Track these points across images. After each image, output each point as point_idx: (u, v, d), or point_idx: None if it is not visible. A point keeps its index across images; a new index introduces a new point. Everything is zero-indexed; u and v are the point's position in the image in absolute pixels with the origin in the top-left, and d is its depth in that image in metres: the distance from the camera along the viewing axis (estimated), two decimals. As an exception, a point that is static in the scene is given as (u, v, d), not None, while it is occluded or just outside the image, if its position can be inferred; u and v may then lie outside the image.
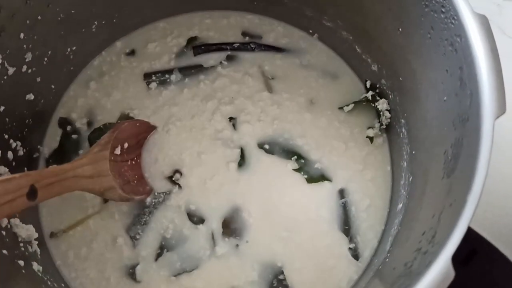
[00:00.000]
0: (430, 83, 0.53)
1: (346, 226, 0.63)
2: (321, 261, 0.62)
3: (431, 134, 0.53)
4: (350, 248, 0.62)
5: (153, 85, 0.68)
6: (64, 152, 0.65)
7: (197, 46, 0.70)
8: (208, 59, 0.70)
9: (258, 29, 0.71)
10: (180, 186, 0.63)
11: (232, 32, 0.71)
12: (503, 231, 0.43)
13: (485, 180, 0.39)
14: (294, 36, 0.71)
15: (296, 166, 0.64)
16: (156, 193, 0.63)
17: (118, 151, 0.59)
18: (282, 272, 0.61)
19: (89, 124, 0.67)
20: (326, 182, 0.65)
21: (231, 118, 0.66)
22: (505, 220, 0.48)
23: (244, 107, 0.67)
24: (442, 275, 0.37)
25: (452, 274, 0.36)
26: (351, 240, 0.62)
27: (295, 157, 0.65)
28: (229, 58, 0.70)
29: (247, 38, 0.71)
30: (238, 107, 0.67)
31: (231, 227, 0.62)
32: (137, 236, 0.62)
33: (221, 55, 0.70)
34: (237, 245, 0.61)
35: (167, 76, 0.68)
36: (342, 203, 0.64)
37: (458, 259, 0.38)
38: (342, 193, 0.64)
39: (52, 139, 0.66)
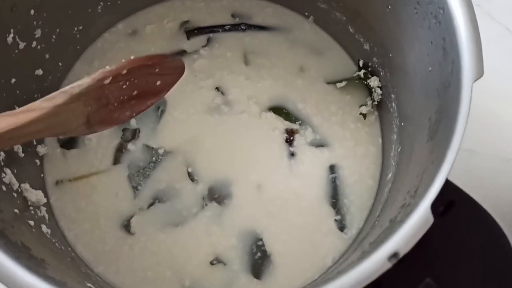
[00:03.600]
0: (417, 56, 0.56)
1: (334, 200, 0.66)
2: (307, 235, 0.65)
3: (418, 104, 0.56)
4: (336, 220, 0.65)
5: None
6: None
7: (190, 30, 0.73)
8: (192, 43, 0.73)
9: (248, 10, 0.74)
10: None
11: (222, 15, 0.74)
12: (480, 184, 0.46)
13: (463, 135, 0.42)
14: (287, 17, 0.74)
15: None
16: (163, 150, 0.67)
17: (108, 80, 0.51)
18: (261, 239, 0.64)
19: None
20: (319, 156, 0.68)
21: (217, 88, 0.70)
22: (482, 174, 0.51)
23: (227, 80, 0.71)
24: (422, 221, 0.40)
25: (431, 219, 0.39)
26: (337, 212, 0.66)
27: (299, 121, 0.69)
28: (214, 40, 0.73)
29: (237, 20, 0.74)
30: (220, 81, 0.71)
31: (216, 193, 0.66)
32: (139, 187, 0.66)
33: (204, 38, 0.73)
34: (219, 214, 0.65)
35: None
36: (332, 178, 0.67)
37: (438, 210, 0.42)
38: (332, 168, 0.67)
39: (59, 115, 0.69)
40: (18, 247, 0.43)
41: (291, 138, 0.69)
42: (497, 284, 0.41)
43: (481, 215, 0.42)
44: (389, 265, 0.39)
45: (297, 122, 0.69)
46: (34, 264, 0.42)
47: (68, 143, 0.68)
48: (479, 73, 0.44)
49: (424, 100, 0.54)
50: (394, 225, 0.43)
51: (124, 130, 0.68)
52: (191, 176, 0.66)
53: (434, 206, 0.41)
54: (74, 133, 0.52)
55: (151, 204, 0.65)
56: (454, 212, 0.41)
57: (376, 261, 0.39)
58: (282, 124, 0.69)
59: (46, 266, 0.45)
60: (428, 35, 0.52)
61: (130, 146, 0.68)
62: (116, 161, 0.67)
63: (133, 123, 0.69)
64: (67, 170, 0.67)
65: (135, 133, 0.68)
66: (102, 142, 0.68)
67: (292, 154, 0.68)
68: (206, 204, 0.65)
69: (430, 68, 0.52)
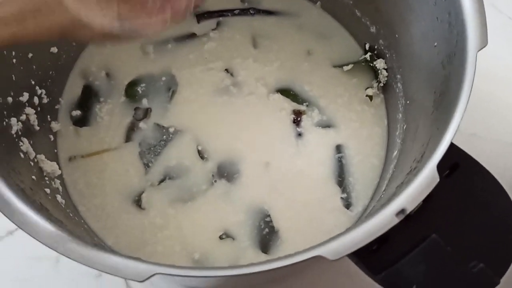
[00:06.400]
0: (422, 33, 0.58)
1: (340, 178, 0.68)
2: (314, 212, 0.66)
3: (424, 80, 0.58)
4: (342, 198, 0.67)
5: (151, 54, 0.73)
6: (87, 100, 0.71)
7: (200, 13, 0.75)
8: (202, 26, 0.75)
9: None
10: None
11: (231, -1, 0.76)
12: (483, 149, 0.48)
13: (468, 98, 0.44)
14: (295, 2, 0.76)
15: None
16: (174, 129, 0.69)
17: None
18: (268, 215, 0.65)
19: (108, 75, 0.72)
20: (325, 136, 0.70)
21: (226, 70, 0.72)
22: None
23: (236, 62, 0.73)
24: (428, 180, 0.41)
25: (437, 178, 0.41)
26: (343, 190, 0.67)
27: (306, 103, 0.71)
28: (223, 24, 0.75)
29: (246, 4, 0.76)
30: (229, 63, 0.73)
31: (225, 171, 0.67)
32: (150, 164, 0.67)
33: (214, 22, 0.75)
34: (228, 190, 0.66)
35: (163, 46, 0.74)
36: (338, 157, 0.68)
37: (443, 172, 0.43)
38: (339, 148, 0.69)
39: (71, 94, 0.71)
40: (38, 205, 0.45)
41: (298, 119, 0.70)
42: (498, 239, 0.43)
43: (484, 175, 0.43)
44: (396, 221, 0.40)
45: (304, 104, 0.71)
46: (53, 220, 0.43)
47: (81, 121, 0.70)
48: (483, 42, 0.46)
49: (430, 74, 0.55)
50: (401, 187, 0.45)
51: (136, 109, 0.70)
52: (200, 154, 0.68)
53: (440, 168, 0.42)
54: (99, 20, 0.40)
55: (162, 181, 0.67)
56: (458, 174, 0.43)
57: (385, 217, 0.41)
58: (289, 105, 0.71)
59: (63, 226, 0.46)
60: (433, 11, 0.54)
61: (141, 124, 0.69)
62: (128, 139, 0.69)
63: (145, 102, 0.70)
64: (79, 146, 0.69)
65: (146, 112, 0.70)
66: (114, 120, 0.70)
67: (299, 134, 0.69)
68: (215, 181, 0.67)
69: (435, 44, 0.54)
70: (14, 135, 0.56)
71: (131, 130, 0.69)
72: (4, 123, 0.54)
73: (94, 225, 0.65)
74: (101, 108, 0.70)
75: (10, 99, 0.56)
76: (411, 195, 0.41)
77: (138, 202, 0.66)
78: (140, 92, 0.71)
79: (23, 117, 0.59)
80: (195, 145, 0.68)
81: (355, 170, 0.68)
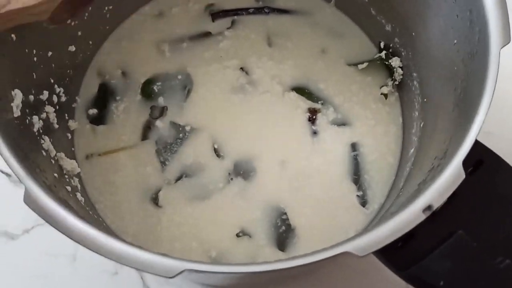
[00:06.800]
0: (441, 31, 0.58)
1: (356, 176, 0.68)
2: (330, 210, 0.66)
3: (443, 78, 0.58)
4: (358, 196, 0.67)
5: (166, 53, 0.73)
6: (103, 98, 0.71)
7: (215, 12, 0.76)
8: (217, 24, 0.75)
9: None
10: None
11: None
12: (499, 147, 0.48)
13: (493, 94, 0.44)
14: (309, 1, 0.76)
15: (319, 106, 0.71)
16: (190, 127, 0.69)
17: None
18: (285, 213, 0.65)
19: (124, 74, 0.72)
20: (341, 134, 0.70)
21: (242, 69, 0.72)
22: (503, 137, 0.52)
23: (251, 61, 0.73)
24: (454, 176, 0.42)
25: (462, 175, 0.41)
26: (359, 188, 0.67)
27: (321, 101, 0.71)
28: (238, 22, 0.75)
29: (260, 3, 0.76)
30: (244, 62, 0.73)
31: (242, 169, 0.68)
32: (166, 162, 0.68)
33: (228, 20, 0.76)
34: (244, 188, 0.67)
35: (178, 44, 0.74)
36: (354, 155, 0.69)
37: (467, 169, 0.43)
38: (354, 146, 0.69)
39: (87, 92, 0.71)
40: (64, 202, 0.45)
41: (314, 117, 0.70)
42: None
43: (508, 172, 0.44)
44: (423, 217, 0.40)
45: (319, 102, 0.71)
46: (79, 216, 0.44)
47: (97, 119, 0.70)
48: (506, 39, 0.46)
49: (449, 72, 0.55)
50: (425, 185, 0.45)
51: (152, 107, 0.70)
52: (217, 152, 0.68)
53: (464, 164, 0.42)
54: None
55: (179, 178, 0.67)
56: (483, 170, 0.43)
57: (411, 213, 0.41)
58: (304, 104, 0.71)
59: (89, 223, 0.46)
60: (453, 9, 0.54)
61: (157, 123, 0.70)
62: (144, 137, 0.69)
63: (161, 101, 0.71)
64: (96, 145, 0.69)
65: (162, 111, 0.70)
66: (130, 118, 0.70)
67: (315, 132, 0.70)
68: (231, 179, 0.67)
69: (455, 41, 0.54)
70: (36, 133, 0.56)
71: (147, 129, 0.70)
72: (27, 120, 0.54)
73: (111, 222, 0.65)
74: (117, 106, 0.71)
75: (31, 97, 0.56)
76: (437, 191, 0.41)
77: (155, 200, 0.66)
78: (156, 90, 0.71)
79: (44, 115, 0.59)
80: (211, 143, 0.69)
81: (371, 168, 0.69)
